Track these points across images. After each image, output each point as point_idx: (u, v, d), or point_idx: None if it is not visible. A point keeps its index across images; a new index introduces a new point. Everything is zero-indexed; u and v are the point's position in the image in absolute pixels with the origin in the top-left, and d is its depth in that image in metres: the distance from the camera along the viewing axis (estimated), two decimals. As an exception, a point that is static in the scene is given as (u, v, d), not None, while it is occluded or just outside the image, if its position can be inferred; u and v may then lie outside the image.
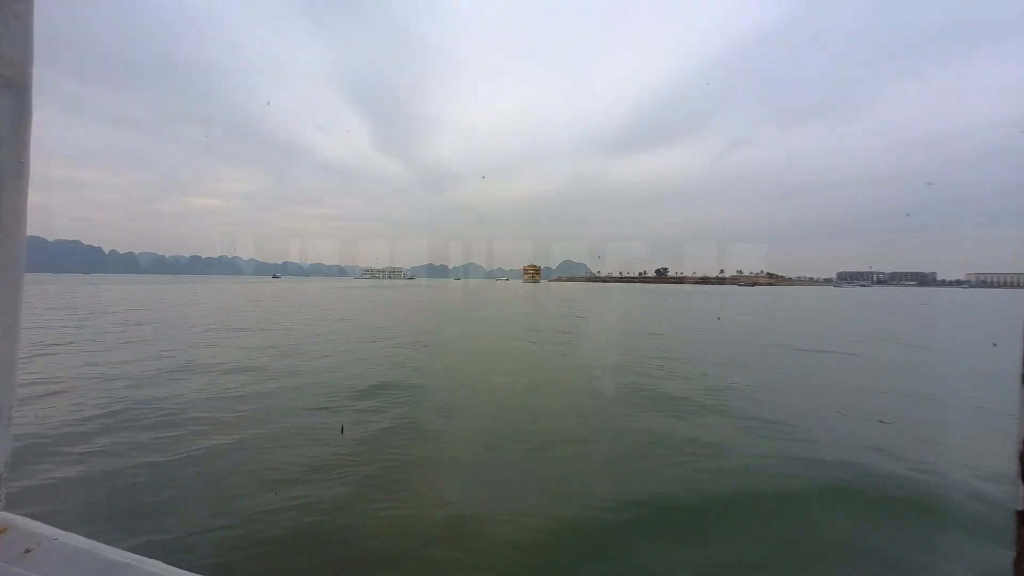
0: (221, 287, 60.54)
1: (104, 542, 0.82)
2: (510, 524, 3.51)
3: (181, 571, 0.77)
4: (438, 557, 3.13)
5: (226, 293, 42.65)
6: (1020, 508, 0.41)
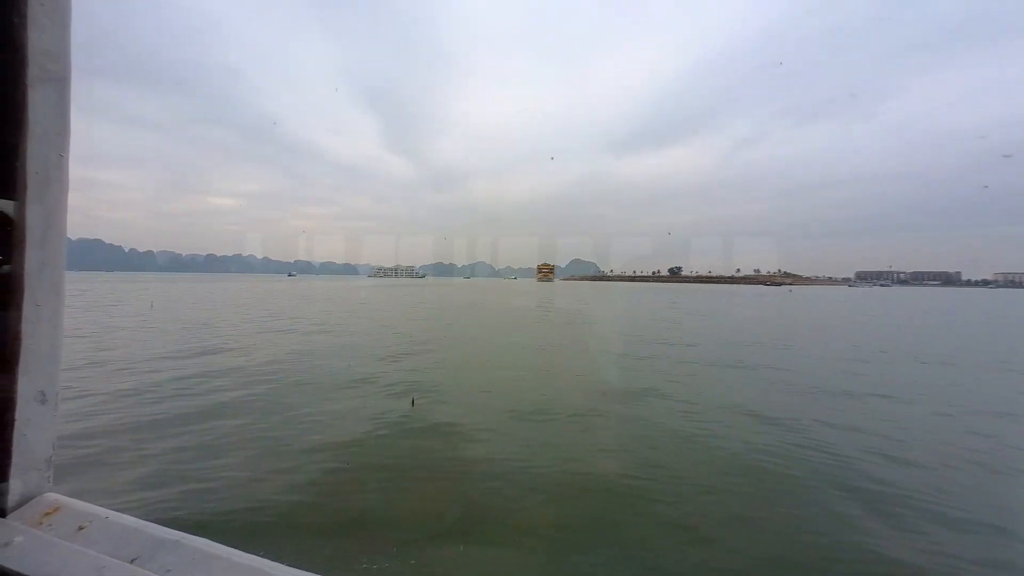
0: (255, 286, 60.70)
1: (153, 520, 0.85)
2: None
3: (226, 547, 0.78)
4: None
5: (275, 293, 42.52)
6: None
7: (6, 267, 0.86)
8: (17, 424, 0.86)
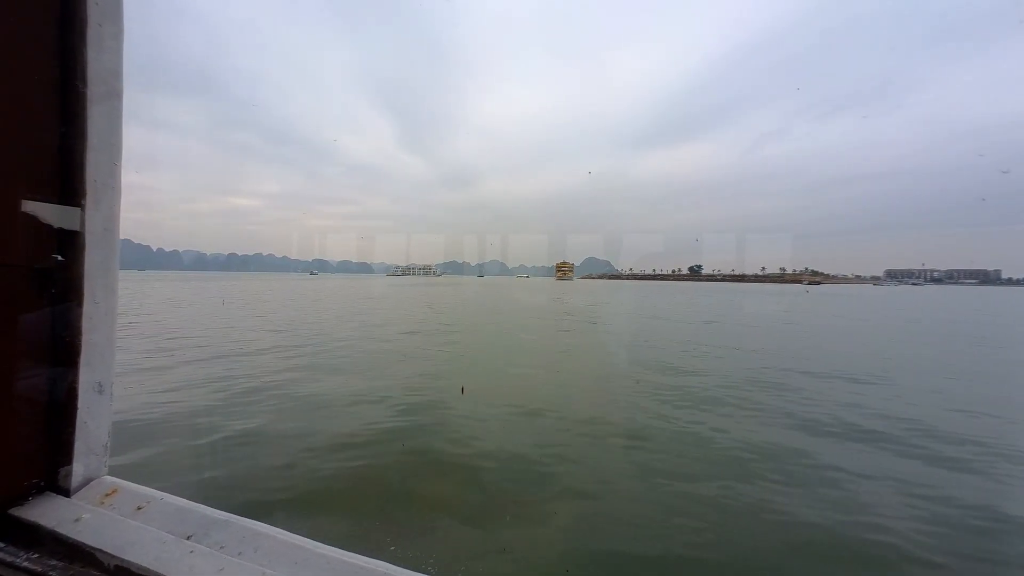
0: (289, 284, 61.42)
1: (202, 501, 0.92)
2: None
3: (273, 527, 0.84)
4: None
5: (318, 291, 42.86)
6: None
7: (68, 268, 0.92)
8: (80, 413, 0.94)
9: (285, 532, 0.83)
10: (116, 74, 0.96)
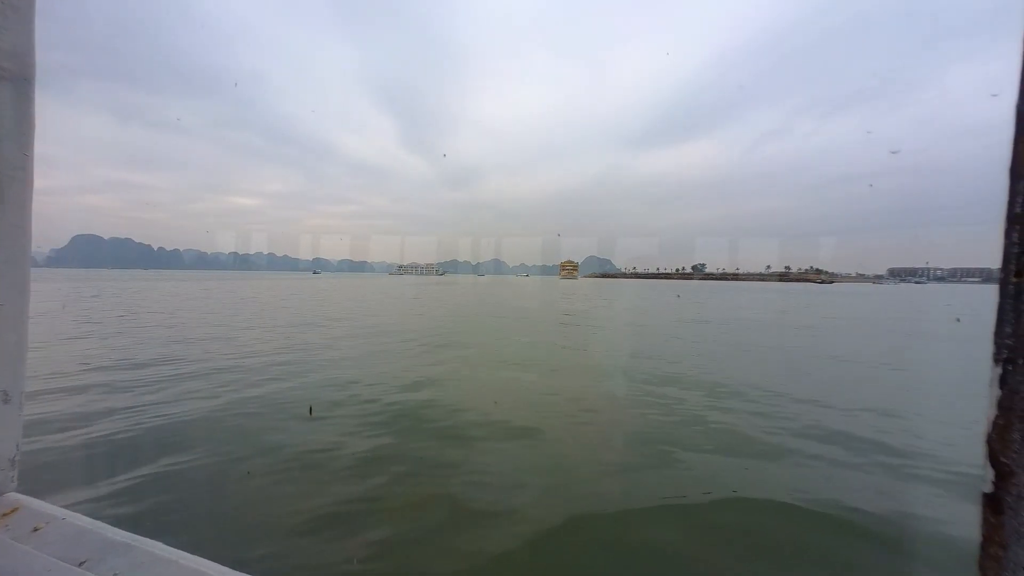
0: (298, 284, 60.99)
1: (108, 522, 0.88)
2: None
3: (178, 551, 0.81)
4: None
5: (337, 290, 42.61)
6: (987, 491, 0.41)
7: None
8: None
9: (191, 556, 0.79)
10: (23, 51, 0.87)
